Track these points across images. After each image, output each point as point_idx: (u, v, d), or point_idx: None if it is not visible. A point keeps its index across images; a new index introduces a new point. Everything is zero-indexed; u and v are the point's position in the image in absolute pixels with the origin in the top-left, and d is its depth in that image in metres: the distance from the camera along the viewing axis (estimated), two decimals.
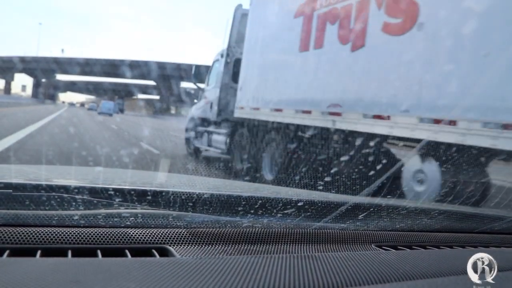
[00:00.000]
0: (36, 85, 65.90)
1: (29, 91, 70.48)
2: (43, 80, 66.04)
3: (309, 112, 5.12)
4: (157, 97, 65.10)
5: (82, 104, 79.39)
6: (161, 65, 52.30)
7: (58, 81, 71.23)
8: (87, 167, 3.29)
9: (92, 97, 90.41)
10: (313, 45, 5.18)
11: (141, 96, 76.30)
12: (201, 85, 9.24)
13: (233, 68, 7.60)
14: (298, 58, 5.45)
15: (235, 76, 7.47)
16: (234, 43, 7.59)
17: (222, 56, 7.91)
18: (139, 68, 48.78)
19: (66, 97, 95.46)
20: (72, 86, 76.54)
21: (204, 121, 8.77)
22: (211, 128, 8.29)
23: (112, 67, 52.85)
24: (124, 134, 14.57)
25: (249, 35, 6.92)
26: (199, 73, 9.05)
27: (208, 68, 8.90)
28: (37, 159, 5.71)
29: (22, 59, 56.24)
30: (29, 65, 55.41)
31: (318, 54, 5.11)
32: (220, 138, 7.73)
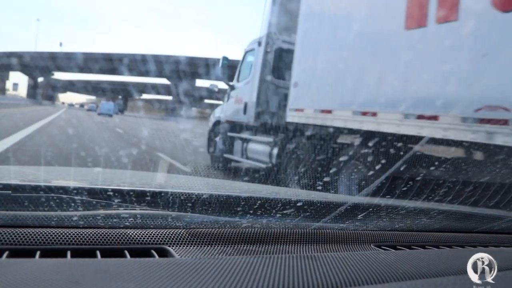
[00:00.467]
0: (33, 85, 61.73)
1: (21, 90, 65.09)
2: (41, 79, 62.01)
3: (434, 117, 3.45)
4: (169, 97, 61.49)
5: (82, 105, 79.26)
6: (171, 60, 47.01)
7: (57, 80, 68.15)
8: (86, 168, 3.29)
9: (93, 97, 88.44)
10: (433, 17, 3.51)
11: (146, 96, 73.62)
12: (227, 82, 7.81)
13: (274, 59, 6.26)
14: (404, 38, 3.80)
15: (275, 70, 6.24)
16: (275, 29, 6.24)
17: (259, 44, 6.42)
18: (145, 64, 44.39)
19: (66, 97, 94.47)
20: (71, 87, 74.90)
21: (235, 126, 7.17)
22: (245, 135, 6.69)
23: (114, 63, 47.81)
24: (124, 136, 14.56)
25: (307, 15, 5.30)
26: (227, 66, 7.34)
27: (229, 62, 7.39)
28: (36, 160, 5.71)
29: (17, 55, 51.46)
30: (25, 61, 50.52)
31: (446, 30, 3.42)
32: (261, 148, 6.09)
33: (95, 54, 51.04)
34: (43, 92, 64.47)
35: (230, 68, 7.44)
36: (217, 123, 7.94)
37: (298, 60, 5.35)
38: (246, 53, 7.09)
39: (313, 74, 5.11)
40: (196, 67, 43.24)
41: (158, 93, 62.50)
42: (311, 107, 4.99)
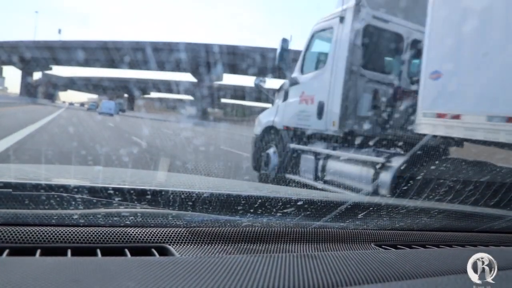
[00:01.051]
0: (31, 81, 54.87)
1: (12, 87, 60.36)
2: (38, 75, 57.63)
3: None
4: (177, 95, 55.55)
5: (82, 104, 79.00)
6: (189, 48, 39.48)
7: (57, 78, 65.11)
8: (87, 166, 3.29)
9: (95, 96, 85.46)
10: None
11: (155, 95, 69.15)
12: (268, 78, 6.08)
13: (363, 41, 4.55)
14: None
15: (365, 56, 4.59)
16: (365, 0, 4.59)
17: (341, 20, 4.63)
18: (157, 54, 38.75)
19: (66, 96, 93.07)
20: (72, 85, 73.16)
21: (300, 135, 5.33)
22: (321, 148, 4.85)
23: (118, 54, 41.05)
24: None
25: None
26: (285, 54, 5.38)
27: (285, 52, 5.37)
28: (37, 159, 5.71)
29: (10, 45, 45.50)
30: (19, 53, 44.77)
31: None
32: (356, 170, 4.21)
33: (97, 42, 45.03)
34: (43, 90, 62.35)
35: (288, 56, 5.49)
36: (269, 130, 5.93)
37: (439, 36, 3.56)
38: (314, 34, 5.29)
39: (482, 57, 3.12)
40: (226, 56, 37.58)
41: (166, 91, 58.36)
42: (479, 112, 3.14)
